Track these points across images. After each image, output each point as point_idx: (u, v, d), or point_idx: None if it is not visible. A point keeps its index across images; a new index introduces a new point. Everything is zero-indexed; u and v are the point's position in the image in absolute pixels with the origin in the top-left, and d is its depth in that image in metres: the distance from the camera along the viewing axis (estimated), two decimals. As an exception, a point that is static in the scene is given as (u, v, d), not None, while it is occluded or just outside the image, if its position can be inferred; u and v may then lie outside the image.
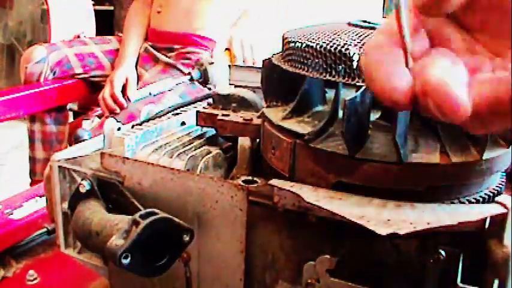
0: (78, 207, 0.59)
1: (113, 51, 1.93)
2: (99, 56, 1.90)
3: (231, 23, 1.91)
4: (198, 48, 1.82)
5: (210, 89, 1.45)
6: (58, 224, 0.67)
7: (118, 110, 1.72)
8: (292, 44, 0.54)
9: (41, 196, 1.28)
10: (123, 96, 1.74)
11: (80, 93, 1.93)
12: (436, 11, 0.32)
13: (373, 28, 0.53)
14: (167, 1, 1.86)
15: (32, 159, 1.91)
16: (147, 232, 0.48)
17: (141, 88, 1.78)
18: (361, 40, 0.50)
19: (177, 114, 0.75)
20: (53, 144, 1.87)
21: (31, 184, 1.89)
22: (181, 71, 1.79)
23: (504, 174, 0.53)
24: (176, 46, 1.84)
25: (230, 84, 1.57)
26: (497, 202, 0.48)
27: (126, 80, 1.77)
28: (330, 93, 0.59)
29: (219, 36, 1.86)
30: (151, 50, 1.87)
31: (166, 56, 1.84)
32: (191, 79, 1.43)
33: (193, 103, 0.80)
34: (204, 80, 1.47)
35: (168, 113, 0.75)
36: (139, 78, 1.86)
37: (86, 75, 1.87)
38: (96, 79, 1.90)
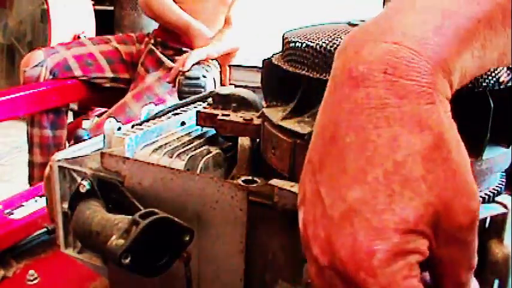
0: (78, 207, 0.59)
1: (111, 52, 1.92)
2: (97, 57, 1.89)
3: None
4: None
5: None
6: (58, 224, 0.67)
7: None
8: (292, 44, 0.54)
9: (41, 196, 1.28)
10: None
11: (80, 94, 1.92)
12: None
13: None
14: (189, 6, 1.83)
15: (31, 164, 1.89)
16: (147, 232, 0.48)
17: (142, 88, 1.78)
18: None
19: (177, 114, 0.75)
20: (51, 149, 1.85)
21: (29, 190, 1.87)
22: None
23: (504, 174, 0.53)
24: (184, 49, 1.80)
25: (230, 84, 1.56)
26: (497, 202, 0.48)
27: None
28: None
29: None
30: (157, 52, 1.86)
31: (173, 59, 1.81)
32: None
33: (193, 103, 0.80)
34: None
35: (168, 113, 0.75)
36: (140, 78, 1.84)
37: (85, 78, 1.87)
38: (96, 81, 1.90)
